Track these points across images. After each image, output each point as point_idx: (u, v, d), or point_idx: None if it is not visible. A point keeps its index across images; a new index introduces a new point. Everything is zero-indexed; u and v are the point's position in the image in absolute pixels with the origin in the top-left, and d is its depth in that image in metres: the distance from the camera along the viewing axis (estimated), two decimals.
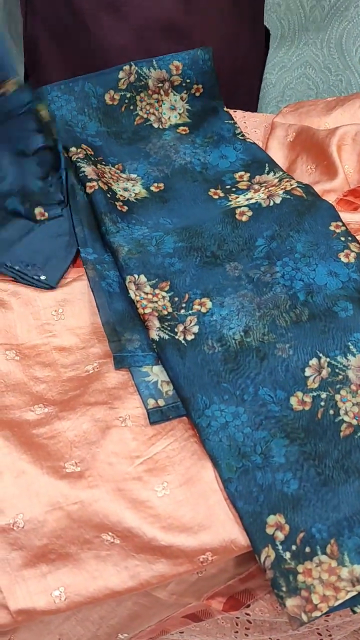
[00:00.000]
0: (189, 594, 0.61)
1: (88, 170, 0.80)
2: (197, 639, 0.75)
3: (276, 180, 0.80)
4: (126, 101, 0.89)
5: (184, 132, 0.90)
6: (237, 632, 0.72)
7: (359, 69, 1.32)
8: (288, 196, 0.76)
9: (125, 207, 0.78)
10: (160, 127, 0.91)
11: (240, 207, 0.77)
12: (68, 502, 0.57)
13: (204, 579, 0.60)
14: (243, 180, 0.82)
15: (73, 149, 0.83)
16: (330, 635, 0.76)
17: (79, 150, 0.83)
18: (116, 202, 0.78)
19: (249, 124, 0.96)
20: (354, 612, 0.53)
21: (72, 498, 0.57)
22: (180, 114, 0.92)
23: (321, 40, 1.31)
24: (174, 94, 0.91)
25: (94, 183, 0.78)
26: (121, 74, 0.88)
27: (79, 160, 0.81)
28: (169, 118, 0.91)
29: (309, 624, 0.66)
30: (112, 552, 0.56)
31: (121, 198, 0.79)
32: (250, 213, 0.75)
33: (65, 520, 0.56)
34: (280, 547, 0.53)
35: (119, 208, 0.78)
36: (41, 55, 1.03)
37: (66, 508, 0.57)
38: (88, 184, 0.78)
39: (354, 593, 0.50)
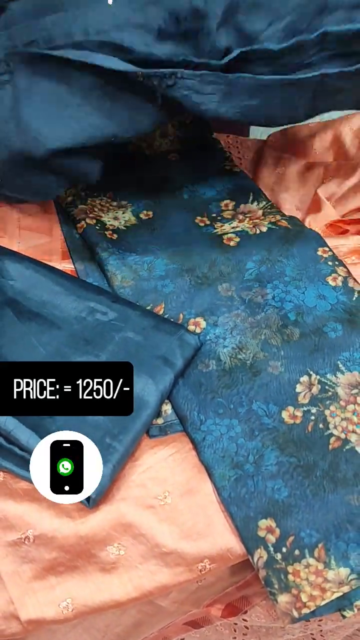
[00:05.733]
0: (189, 602, 0.65)
1: (76, 212, 0.84)
2: None
3: (260, 212, 0.84)
4: None
5: (173, 159, 0.94)
6: (235, 637, 0.75)
7: None
8: (274, 227, 0.80)
9: (115, 235, 0.82)
10: (151, 153, 0.95)
11: (227, 233, 0.81)
12: (76, 518, 0.60)
13: (203, 588, 0.63)
14: (228, 210, 0.86)
15: (62, 195, 0.87)
16: None
17: (67, 192, 0.87)
18: (105, 232, 0.82)
19: (241, 149, 1.00)
20: (344, 616, 0.56)
21: (80, 513, 0.60)
22: (171, 141, 0.96)
23: None
24: None
25: (82, 222, 0.82)
26: None
27: (67, 205, 0.85)
28: (160, 145, 0.95)
29: (303, 629, 0.69)
30: (116, 565, 0.59)
31: (110, 227, 0.83)
32: (237, 239, 0.79)
33: (73, 537, 0.59)
34: (271, 549, 0.57)
35: (109, 236, 0.81)
36: None
37: (74, 524, 0.60)
38: (77, 224, 0.82)
39: (340, 594, 0.54)
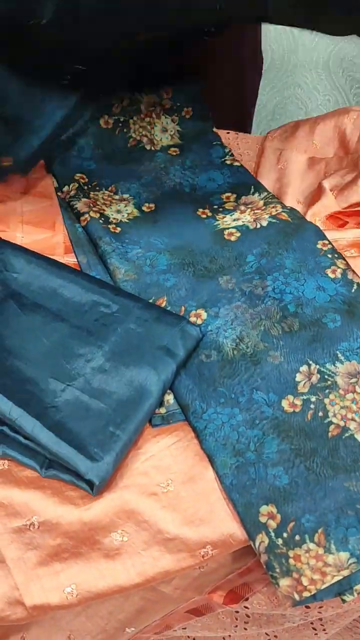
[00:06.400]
0: (191, 589, 0.66)
1: (79, 205, 0.84)
2: (199, 634, 0.78)
3: (261, 202, 0.85)
4: (120, 124, 0.95)
5: (174, 154, 0.95)
6: (236, 626, 0.76)
7: (345, 89, 1.38)
8: (274, 220, 0.81)
9: (118, 229, 0.83)
10: (152, 148, 0.96)
11: (228, 228, 0.82)
12: (80, 505, 0.61)
13: (205, 574, 0.64)
14: (230, 201, 0.87)
15: (65, 187, 0.88)
16: (324, 630, 0.80)
17: (70, 186, 0.88)
18: (109, 225, 0.83)
19: (241, 145, 1.01)
20: (344, 601, 0.57)
21: (84, 500, 0.61)
22: (171, 136, 0.97)
23: (309, 63, 1.37)
24: (165, 117, 0.96)
25: (86, 215, 0.83)
26: (114, 99, 0.93)
27: (71, 198, 0.86)
28: (161, 139, 0.96)
29: (303, 616, 0.70)
30: (120, 551, 0.60)
31: (114, 221, 0.84)
32: (238, 234, 0.80)
33: (77, 524, 0.60)
34: (272, 534, 0.58)
35: (112, 230, 0.82)
36: None
37: (78, 511, 0.61)
38: (81, 217, 0.83)
39: (340, 577, 0.55)
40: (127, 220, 0.84)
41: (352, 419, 0.63)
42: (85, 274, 0.77)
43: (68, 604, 0.59)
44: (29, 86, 0.75)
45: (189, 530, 0.60)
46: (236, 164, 0.93)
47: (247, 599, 0.67)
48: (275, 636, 0.86)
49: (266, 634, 0.86)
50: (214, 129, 0.99)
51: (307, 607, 0.67)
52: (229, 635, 0.88)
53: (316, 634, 0.81)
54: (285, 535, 0.58)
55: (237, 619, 0.75)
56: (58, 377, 0.65)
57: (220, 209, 0.85)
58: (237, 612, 0.75)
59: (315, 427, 0.63)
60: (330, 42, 1.29)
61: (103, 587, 0.59)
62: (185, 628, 0.77)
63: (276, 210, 0.83)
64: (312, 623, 0.80)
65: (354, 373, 0.66)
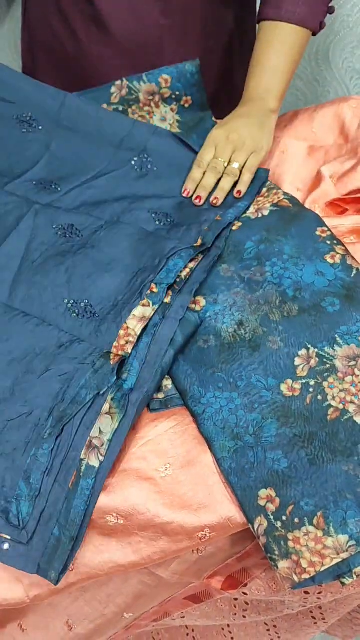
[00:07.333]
0: (190, 574, 0.65)
1: None
2: (198, 622, 0.78)
3: (264, 189, 0.85)
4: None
5: None
6: (235, 614, 0.76)
7: (345, 80, 1.37)
8: (276, 208, 0.80)
9: None
10: None
11: None
12: None
13: (204, 558, 0.64)
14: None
15: None
16: (324, 619, 0.80)
17: None
18: None
19: None
20: (343, 584, 0.57)
21: None
22: (170, 125, 0.96)
23: (309, 53, 1.36)
24: (164, 106, 0.96)
25: None
26: (113, 89, 0.93)
27: None
28: None
29: (302, 603, 0.70)
30: (116, 531, 0.60)
31: None
32: (239, 224, 0.80)
33: None
34: (271, 517, 0.58)
35: None
36: (37, 63, 1.08)
37: None
38: None
39: (339, 560, 0.55)
40: None
41: (351, 402, 0.62)
42: None
43: (65, 580, 0.59)
44: None
45: (187, 514, 0.59)
46: None
47: (245, 585, 0.67)
48: (275, 626, 0.85)
49: (265, 623, 0.85)
50: (213, 118, 0.98)
51: (306, 592, 0.66)
52: (227, 625, 0.88)
53: (315, 623, 0.81)
54: (284, 518, 0.57)
55: (235, 607, 0.75)
56: None
57: None
58: (235, 599, 0.74)
59: (314, 410, 0.63)
60: (330, 32, 1.28)
61: (99, 562, 0.60)
62: (183, 617, 0.77)
63: (278, 198, 0.82)
64: (311, 612, 0.79)
65: (352, 356, 0.65)
